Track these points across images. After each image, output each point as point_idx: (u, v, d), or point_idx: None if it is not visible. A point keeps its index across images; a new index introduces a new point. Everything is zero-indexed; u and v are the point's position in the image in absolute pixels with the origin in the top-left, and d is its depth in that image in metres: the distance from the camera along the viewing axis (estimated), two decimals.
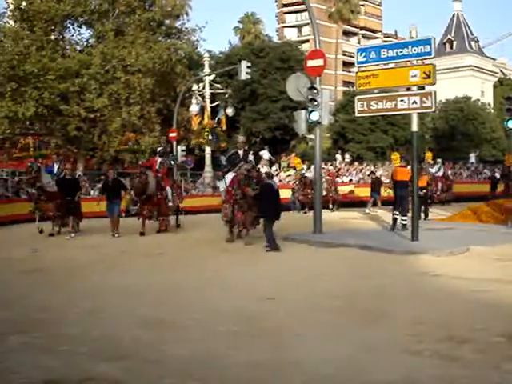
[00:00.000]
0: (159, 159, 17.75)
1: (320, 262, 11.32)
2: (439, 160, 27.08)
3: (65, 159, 22.24)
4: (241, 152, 15.38)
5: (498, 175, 29.11)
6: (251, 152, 16.89)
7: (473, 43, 64.56)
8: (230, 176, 14.84)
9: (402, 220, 15.69)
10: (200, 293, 8.63)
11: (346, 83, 66.61)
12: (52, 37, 28.21)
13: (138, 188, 16.37)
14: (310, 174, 22.89)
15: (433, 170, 25.36)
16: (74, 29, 29.51)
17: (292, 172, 28.65)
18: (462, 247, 12.23)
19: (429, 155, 26.19)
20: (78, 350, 5.88)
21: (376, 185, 24.43)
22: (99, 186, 25.47)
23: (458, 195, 27.61)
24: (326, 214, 17.87)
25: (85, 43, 29.78)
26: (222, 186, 15.41)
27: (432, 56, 13.00)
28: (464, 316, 7.02)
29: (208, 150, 32.77)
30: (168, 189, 17.24)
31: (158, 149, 19.60)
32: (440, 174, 26.39)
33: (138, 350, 5.88)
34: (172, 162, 31.05)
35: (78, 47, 29.30)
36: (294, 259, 11.73)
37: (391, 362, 5.48)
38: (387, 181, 23.37)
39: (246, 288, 8.89)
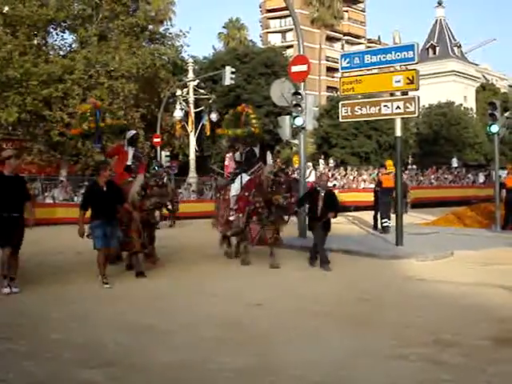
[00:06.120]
0: (131, 151, 11.81)
1: (305, 267, 11.31)
2: (310, 164, 23.03)
3: None
4: (257, 149, 12.55)
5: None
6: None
7: (455, 49, 65.17)
8: (245, 178, 12.04)
9: (388, 222, 16.44)
10: (187, 299, 8.58)
11: (330, 88, 66.81)
12: (35, 42, 28.07)
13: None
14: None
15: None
16: (57, 34, 29.49)
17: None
18: (447, 251, 12.32)
19: (295, 159, 23.89)
20: (62, 357, 5.80)
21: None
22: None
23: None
24: None
25: (68, 48, 29.71)
26: (233, 189, 12.23)
27: (415, 62, 13.09)
28: (449, 320, 7.05)
29: (192, 155, 32.73)
30: None
31: (129, 133, 12.23)
32: (311, 179, 21.23)
33: (124, 356, 5.82)
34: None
35: (61, 52, 29.24)
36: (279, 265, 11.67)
37: (377, 366, 5.48)
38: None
39: (231, 294, 8.85)
